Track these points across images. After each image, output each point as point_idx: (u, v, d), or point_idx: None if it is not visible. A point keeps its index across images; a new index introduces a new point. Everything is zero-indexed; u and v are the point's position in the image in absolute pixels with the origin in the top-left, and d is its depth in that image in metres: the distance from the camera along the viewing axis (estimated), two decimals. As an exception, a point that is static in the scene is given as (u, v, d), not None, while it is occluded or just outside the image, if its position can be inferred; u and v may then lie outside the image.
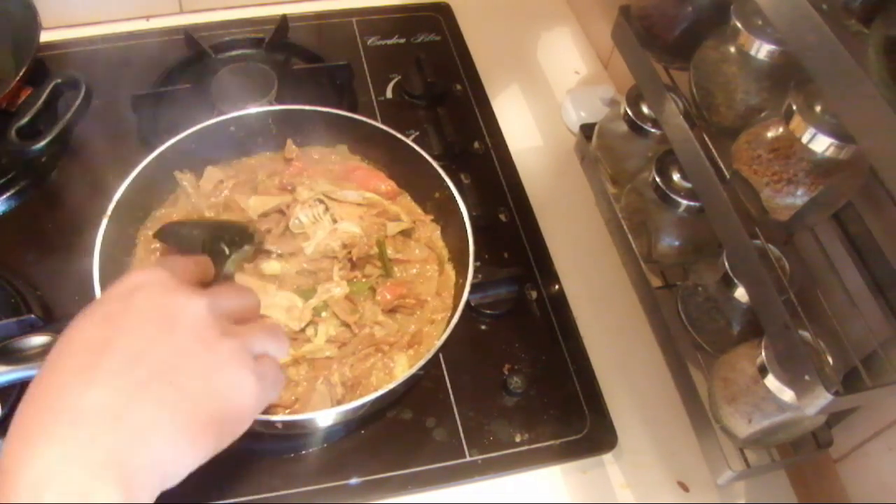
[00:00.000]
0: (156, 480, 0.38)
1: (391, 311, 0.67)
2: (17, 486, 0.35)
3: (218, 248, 0.58)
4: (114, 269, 0.64)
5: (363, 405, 0.58)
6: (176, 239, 0.61)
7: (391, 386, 0.58)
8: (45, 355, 0.55)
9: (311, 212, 0.70)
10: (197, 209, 0.71)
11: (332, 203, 0.71)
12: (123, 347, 0.40)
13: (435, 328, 0.67)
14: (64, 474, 0.35)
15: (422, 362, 0.59)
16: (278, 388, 0.47)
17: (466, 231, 0.67)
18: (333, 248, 0.68)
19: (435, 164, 0.70)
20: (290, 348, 0.61)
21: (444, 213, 0.72)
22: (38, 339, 0.58)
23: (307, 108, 0.74)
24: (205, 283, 0.53)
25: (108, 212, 0.64)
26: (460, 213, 0.68)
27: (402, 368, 0.63)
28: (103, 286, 0.60)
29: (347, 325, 0.66)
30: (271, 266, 0.67)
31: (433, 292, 0.69)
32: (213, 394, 0.41)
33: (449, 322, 0.62)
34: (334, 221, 0.70)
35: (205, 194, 0.71)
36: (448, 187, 0.69)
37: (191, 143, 0.70)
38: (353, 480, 0.65)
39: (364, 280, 0.68)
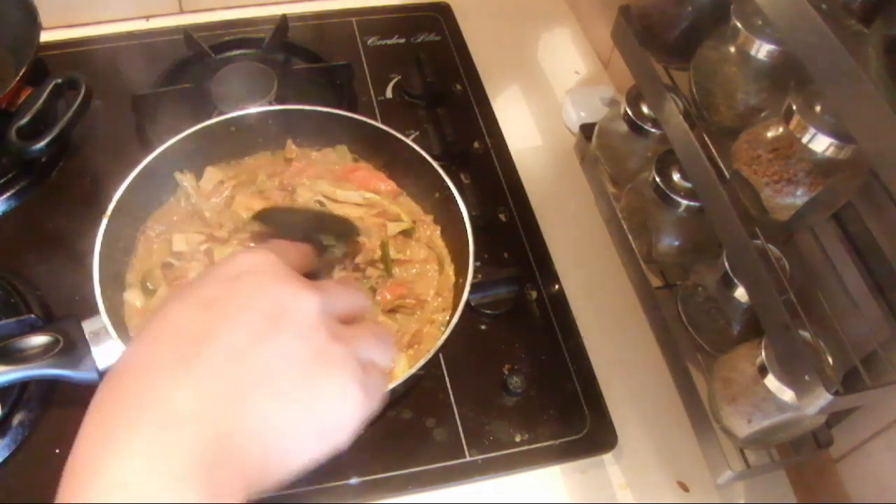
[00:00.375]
0: (244, 491, 0.34)
1: (391, 311, 0.67)
2: (92, 489, 0.32)
3: (318, 238, 0.54)
4: (114, 269, 0.64)
5: None
6: (277, 224, 0.57)
7: (392, 385, 0.58)
8: (45, 355, 0.56)
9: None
10: (197, 210, 0.70)
11: (332, 204, 0.71)
12: (225, 342, 0.35)
13: (435, 328, 0.67)
14: (145, 481, 0.32)
15: (422, 362, 0.59)
16: (382, 398, 0.42)
17: (466, 231, 0.67)
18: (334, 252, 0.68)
19: (435, 165, 0.70)
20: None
21: (444, 214, 0.72)
22: (38, 339, 0.58)
23: (307, 108, 0.74)
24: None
25: (109, 212, 0.64)
26: (460, 214, 0.68)
27: (402, 368, 0.63)
28: (103, 287, 0.60)
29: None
30: None
31: (433, 292, 0.69)
32: (317, 403, 0.37)
33: (449, 322, 0.62)
34: None
35: (205, 195, 0.71)
36: (448, 187, 0.69)
37: (191, 144, 0.70)
38: (353, 480, 0.65)
39: (364, 280, 0.68)
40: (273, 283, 0.38)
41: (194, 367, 0.34)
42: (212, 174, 0.73)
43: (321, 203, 0.71)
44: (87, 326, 0.58)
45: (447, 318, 0.66)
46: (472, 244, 0.66)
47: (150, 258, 0.68)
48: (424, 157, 0.71)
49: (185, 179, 0.71)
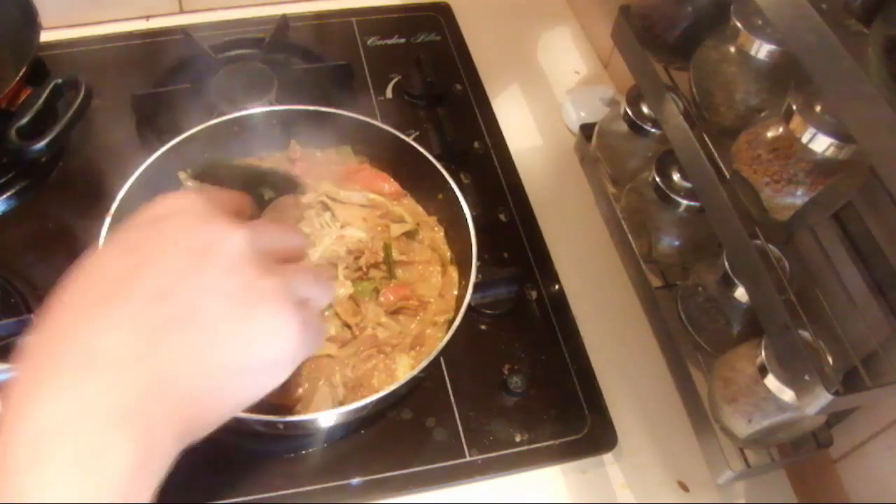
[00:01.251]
0: (177, 435, 0.33)
1: (394, 312, 0.67)
2: (16, 442, 0.30)
3: (259, 192, 0.52)
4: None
5: (365, 406, 0.58)
6: (215, 179, 0.55)
7: (394, 387, 0.58)
8: None
9: (317, 220, 0.70)
10: None
11: (335, 205, 0.71)
12: (148, 281, 0.34)
13: (437, 330, 0.67)
14: (72, 427, 0.30)
15: (424, 363, 0.60)
16: (321, 338, 0.41)
17: (469, 233, 0.67)
18: (339, 254, 0.68)
19: (438, 166, 0.70)
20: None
21: (447, 215, 0.72)
22: None
23: (312, 108, 0.74)
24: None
25: (112, 210, 0.64)
26: (463, 215, 0.68)
27: (404, 370, 0.63)
28: None
29: (349, 326, 0.66)
30: None
31: (436, 294, 0.69)
32: (248, 338, 0.36)
33: (451, 324, 0.63)
34: (341, 226, 0.70)
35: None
36: (451, 189, 0.69)
37: (195, 143, 0.70)
38: (354, 480, 0.65)
39: (368, 282, 0.68)
40: (196, 223, 0.37)
41: (116, 308, 0.34)
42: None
43: (325, 204, 0.71)
44: None
45: (449, 319, 0.66)
46: (475, 247, 0.66)
47: None
48: (428, 159, 0.71)
49: (189, 180, 0.71)
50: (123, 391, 0.32)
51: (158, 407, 0.32)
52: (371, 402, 0.57)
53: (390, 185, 0.74)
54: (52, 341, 0.33)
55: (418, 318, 0.68)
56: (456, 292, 0.69)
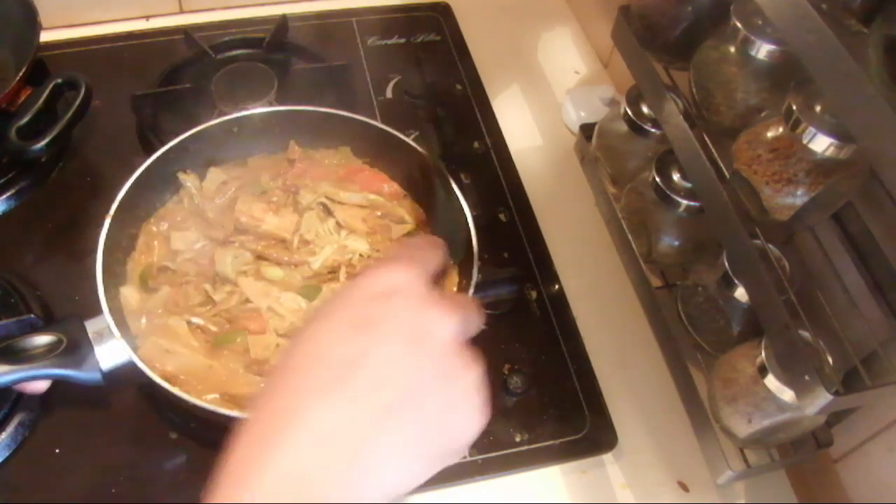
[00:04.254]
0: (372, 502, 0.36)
1: None
2: (253, 486, 0.33)
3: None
4: (114, 267, 0.64)
5: None
6: None
7: None
8: (49, 356, 0.56)
9: (320, 227, 0.69)
10: (200, 211, 0.70)
11: (335, 206, 0.71)
12: (375, 365, 0.36)
13: None
14: (297, 492, 0.33)
15: None
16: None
17: (470, 233, 0.66)
18: (340, 262, 0.68)
19: (439, 165, 0.70)
20: None
21: (445, 216, 0.72)
22: (41, 339, 0.57)
23: (311, 108, 0.74)
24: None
25: (112, 211, 0.64)
26: (464, 216, 0.67)
27: None
28: (106, 288, 0.60)
29: None
30: (273, 272, 0.67)
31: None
32: (449, 427, 0.38)
33: None
34: (344, 236, 0.70)
35: (208, 195, 0.71)
36: (452, 189, 0.69)
37: (194, 143, 0.70)
38: (354, 480, 0.64)
39: None
40: (418, 308, 0.38)
41: (346, 390, 0.35)
42: (215, 175, 0.73)
43: (324, 206, 0.71)
44: (90, 326, 0.58)
45: None
46: (475, 246, 0.66)
47: (150, 253, 0.68)
48: (427, 159, 0.71)
49: (189, 179, 0.71)
50: (344, 467, 0.34)
51: (370, 482, 0.35)
52: None
53: (390, 185, 0.74)
54: (277, 416, 0.35)
55: None
56: (455, 290, 0.69)
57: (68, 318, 0.59)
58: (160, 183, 0.70)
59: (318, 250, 0.68)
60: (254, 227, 0.69)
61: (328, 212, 0.71)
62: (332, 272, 0.68)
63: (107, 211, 0.64)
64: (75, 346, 0.57)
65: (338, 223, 0.70)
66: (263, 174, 0.74)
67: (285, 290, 0.66)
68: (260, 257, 0.68)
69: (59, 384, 0.62)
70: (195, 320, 0.63)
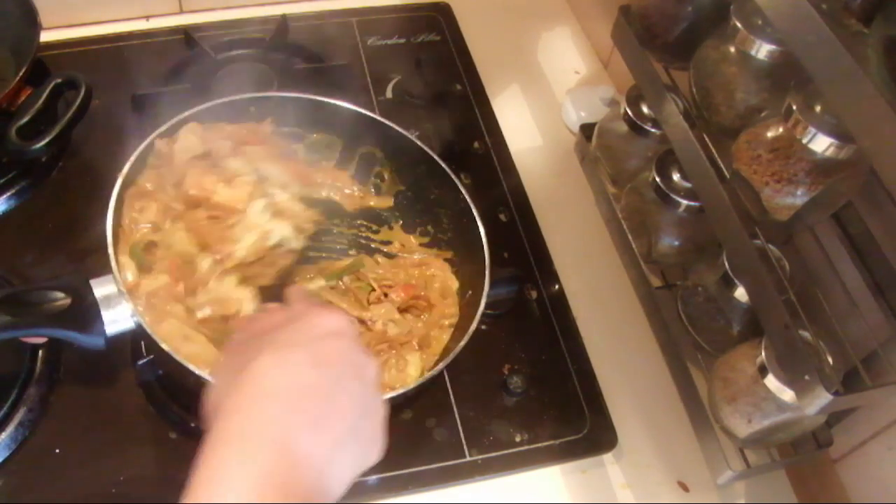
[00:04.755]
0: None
1: (404, 310, 0.67)
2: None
3: None
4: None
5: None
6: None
7: (404, 390, 0.59)
8: (53, 313, 0.55)
9: (257, 215, 0.66)
10: (162, 179, 0.68)
11: (274, 190, 0.68)
12: (343, 400, 0.43)
13: (442, 332, 0.67)
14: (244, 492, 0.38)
15: (442, 366, 0.60)
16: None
17: (480, 236, 0.67)
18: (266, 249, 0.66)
19: (443, 165, 0.70)
20: None
21: (452, 226, 0.72)
22: (48, 295, 0.55)
23: (309, 97, 0.73)
24: None
25: (124, 170, 0.63)
26: (472, 216, 0.68)
27: (416, 367, 0.64)
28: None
29: (363, 322, 0.66)
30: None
31: (440, 297, 0.69)
32: (376, 444, 0.46)
33: (455, 328, 0.64)
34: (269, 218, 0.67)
35: (176, 161, 0.68)
36: (457, 188, 0.69)
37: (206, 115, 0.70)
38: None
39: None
40: (357, 349, 0.47)
41: (327, 422, 0.42)
42: (188, 131, 0.70)
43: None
44: (97, 287, 0.56)
45: (454, 323, 0.67)
46: (486, 250, 0.66)
47: (133, 232, 0.65)
48: (434, 160, 0.71)
49: (163, 144, 0.68)
50: (311, 481, 0.41)
51: (325, 492, 0.42)
52: (401, 394, 0.58)
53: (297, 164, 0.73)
54: (261, 441, 0.40)
55: (423, 318, 0.68)
56: (456, 286, 0.69)
57: (72, 275, 0.57)
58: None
59: (243, 235, 0.65)
60: (205, 199, 0.66)
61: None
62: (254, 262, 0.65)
63: (107, 210, 0.63)
64: (81, 307, 0.55)
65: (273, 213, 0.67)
66: (229, 141, 0.71)
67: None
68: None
69: (57, 386, 0.62)
70: (201, 313, 0.62)
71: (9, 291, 0.55)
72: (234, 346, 0.49)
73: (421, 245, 0.74)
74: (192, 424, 0.65)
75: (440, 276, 0.71)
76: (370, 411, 0.46)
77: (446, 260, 0.72)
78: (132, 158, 0.64)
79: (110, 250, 0.58)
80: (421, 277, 0.71)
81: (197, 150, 0.69)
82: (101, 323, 0.56)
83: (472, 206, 0.70)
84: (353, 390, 0.44)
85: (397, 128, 0.74)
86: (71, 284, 0.56)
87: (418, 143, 0.73)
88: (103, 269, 0.58)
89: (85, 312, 0.55)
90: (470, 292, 0.68)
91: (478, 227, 0.69)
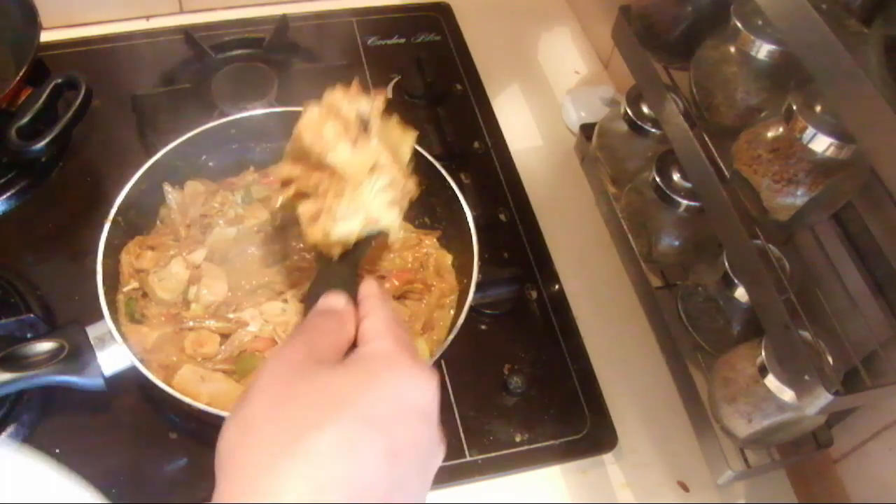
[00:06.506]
0: None
1: (400, 297, 0.67)
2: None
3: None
4: (112, 268, 0.64)
5: None
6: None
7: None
8: (51, 362, 0.56)
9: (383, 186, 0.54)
10: (175, 228, 0.69)
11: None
12: (409, 495, 0.36)
13: (444, 313, 0.67)
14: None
15: (446, 345, 0.60)
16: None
17: (470, 233, 0.66)
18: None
19: (438, 166, 0.70)
20: None
21: (446, 215, 0.72)
22: (43, 346, 0.57)
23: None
24: None
25: (111, 215, 0.63)
26: (464, 215, 0.67)
27: (423, 353, 0.64)
28: (106, 291, 0.59)
29: None
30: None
31: (435, 276, 0.69)
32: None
33: (456, 304, 0.63)
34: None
35: (183, 210, 0.69)
36: (452, 189, 0.69)
37: (193, 147, 0.69)
38: (354, 480, 0.64)
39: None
40: (432, 434, 0.38)
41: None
42: (193, 187, 0.71)
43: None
44: (92, 332, 0.58)
45: (455, 300, 0.67)
46: (476, 247, 0.66)
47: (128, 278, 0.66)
48: (428, 159, 0.71)
49: (172, 191, 0.70)
50: None
51: None
52: None
53: None
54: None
55: (424, 301, 0.67)
56: (450, 260, 0.70)
57: (69, 324, 0.59)
58: (155, 192, 0.69)
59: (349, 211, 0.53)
60: (316, 153, 0.52)
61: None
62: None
63: (107, 211, 0.64)
64: (77, 352, 0.57)
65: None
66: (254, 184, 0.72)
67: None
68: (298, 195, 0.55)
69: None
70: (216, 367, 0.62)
71: (6, 352, 0.56)
72: (282, 374, 0.37)
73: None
74: (192, 425, 0.65)
75: (434, 253, 0.71)
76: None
77: (437, 239, 0.72)
78: (115, 206, 0.63)
79: (101, 295, 0.59)
80: (416, 260, 0.70)
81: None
82: (98, 365, 0.57)
83: (449, 179, 0.69)
84: (415, 490, 0.36)
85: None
86: (66, 333, 0.58)
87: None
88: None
89: (82, 357, 0.57)
90: (465, 280, 0.68)
91: (459, 199, 0.67)
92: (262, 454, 0.33)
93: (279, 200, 0.65)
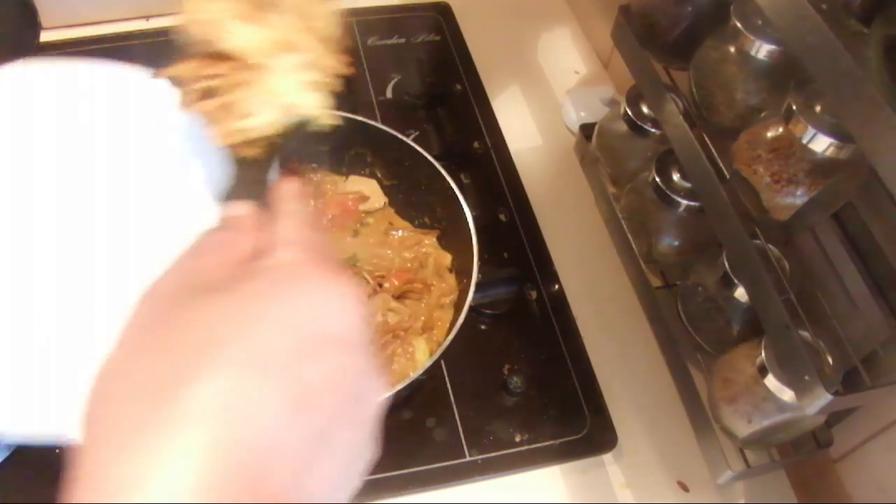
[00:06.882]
0: None
1: (399, 297, 0.67)
2: None
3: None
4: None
5: (397, 391, 0.58)
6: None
7: (421, 370, 0.59)
8: None
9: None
10: None
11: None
12: (326, 466, 0.30)
13: (444, 312, 0.67)
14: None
15: (446, 344, 0.60)
16: None
17: (470, 232, 0.66)
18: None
19: (438, 166, 0.70)
20: None
21: (446, 215, 0.72)
22: None
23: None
24: None
25: None
26: (464, 216, 0.67)
27: (423, 352, 0.64)
28: None
29: None
30: None
31: (435, 276, 0.69)
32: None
33: (456, 305, 0.63)
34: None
35: None
36: (451, 189, 0.69)
37: None
38: (353, 480, 0.65)
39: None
40: (357, 364, 0.29)
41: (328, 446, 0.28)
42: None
43: None
44: None
45: (454, 300, 0.67)
46: (475, 247, 0.66)
47: None
48: (427, 159, 0.71)
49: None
50: None
51: None
52: (403, 387, 0.58)
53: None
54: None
55: (424, 301, 0.68)
56: (449, 259, 0.70)
57: None
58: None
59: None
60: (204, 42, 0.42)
61: None
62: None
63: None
64: None
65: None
66: None
67: None
68: None
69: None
70: None
71: None
72: (151, 312, 0.27)
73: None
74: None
75: (434, 253, 0.71)
76: (364, 459, 0.31)
77: (437, 239, 0.72)
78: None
79: None
80: (415, 260, 0.70)
81: None
82: None
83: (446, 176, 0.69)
84: (346, 445, 0.29)
85: (377, 124, 0.73)
86: None
87: (394, 133, 0.72)
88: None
89: None
90: (465, 280, 0.68)
91: (458, 197, 0.67)
92: (119, 427, 0.23)
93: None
